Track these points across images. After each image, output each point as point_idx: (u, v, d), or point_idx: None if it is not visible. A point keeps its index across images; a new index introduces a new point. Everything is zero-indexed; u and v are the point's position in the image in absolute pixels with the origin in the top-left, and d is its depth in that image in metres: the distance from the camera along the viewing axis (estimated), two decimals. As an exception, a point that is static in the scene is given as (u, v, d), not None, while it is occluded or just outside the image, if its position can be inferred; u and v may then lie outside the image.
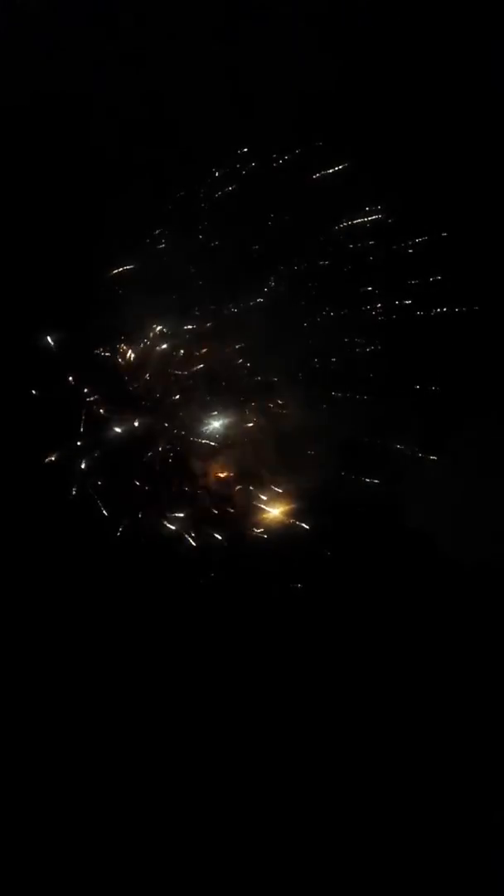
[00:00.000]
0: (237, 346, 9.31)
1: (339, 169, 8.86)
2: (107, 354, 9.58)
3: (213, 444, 9.27)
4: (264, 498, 8.99)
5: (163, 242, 9.54)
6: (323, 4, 9.13)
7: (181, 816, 7.90)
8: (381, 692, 8.20)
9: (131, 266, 9.56)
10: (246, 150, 9.25)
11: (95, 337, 9.60)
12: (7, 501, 8.90)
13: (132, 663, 8.52)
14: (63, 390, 9.36)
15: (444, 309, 8.46)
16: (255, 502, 9.01)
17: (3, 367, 9.21)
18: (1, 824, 7.76)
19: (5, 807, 7.86)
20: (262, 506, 8.97)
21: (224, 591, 8.78)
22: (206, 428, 9.30)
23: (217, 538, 8.99)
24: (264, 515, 8.96)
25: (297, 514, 8.88)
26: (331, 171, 8.89)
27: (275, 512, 8.93)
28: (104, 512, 9.05)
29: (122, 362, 9.64)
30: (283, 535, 8.85)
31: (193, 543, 8.99)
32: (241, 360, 9.35)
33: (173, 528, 9.06)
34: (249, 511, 8.98)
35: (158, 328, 9.54)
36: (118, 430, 9.36)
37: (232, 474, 9.16)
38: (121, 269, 9.55)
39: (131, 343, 9.61)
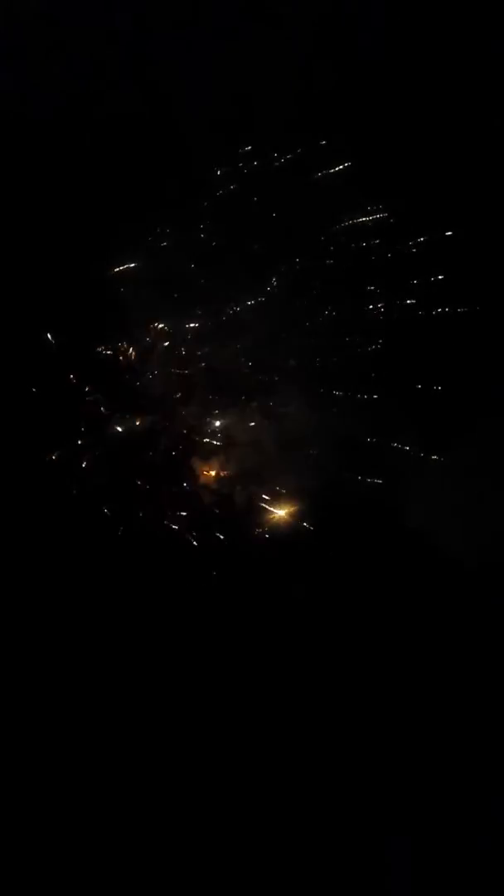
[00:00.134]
0: (238, 346, 9.31)
1: (340, 169, 8.87)
2: (108, 353, 9.59)
3: (214, 442, 9.28)
4: (265, 497, 8.99)
5: (164, 241, 9.55)
6: (325, 4, 9.14)
7: (181, 815, 7.89)
8: (382, 692, 8.19)
9: (133, 264, 9.56)
10: (249, 148, 9.27)
11: (96, 335, 9.60)
12: (7, 501, 8.90)
13: (132, 662, 8.52)
14: (64, 389, 9.36)
15: (447, 309, 8.46)
16: (255, 502, 9.00)
17: (4, 365, 9.21)
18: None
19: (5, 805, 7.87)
20: (263, 505, 8.97)
21: (224, 591, 8.77)
22: (207, 427, 9.30)
23: (217, 537, 8.99)
24: (265, 515, 8.96)
25: (297, 513, 8.87)
26: (333, 170, 8.90)
27: (275, 511, 8.93)
28: (105, 511, 9.05)
29: (123, 361, 9.64)
30: (283, 534, 8.85)
31: (194, 543, 8.99)
32: (242, 359, 9.35)
33: (174, 527, 9.06)
34: (250, 510, 8.98)
35: (160, 326, 9.55)
36: (119, 428, 9.36)
37: (232, 473, 9.15)
38: (122, 267, 9.55)
39: (132, 341, 9.61)
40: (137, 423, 9.36)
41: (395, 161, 8.77)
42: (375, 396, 8.80)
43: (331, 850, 7.67)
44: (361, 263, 8.89)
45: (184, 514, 9.11)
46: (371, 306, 8.87)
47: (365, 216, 8.81)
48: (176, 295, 9.43)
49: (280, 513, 8.92)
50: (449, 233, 8.42)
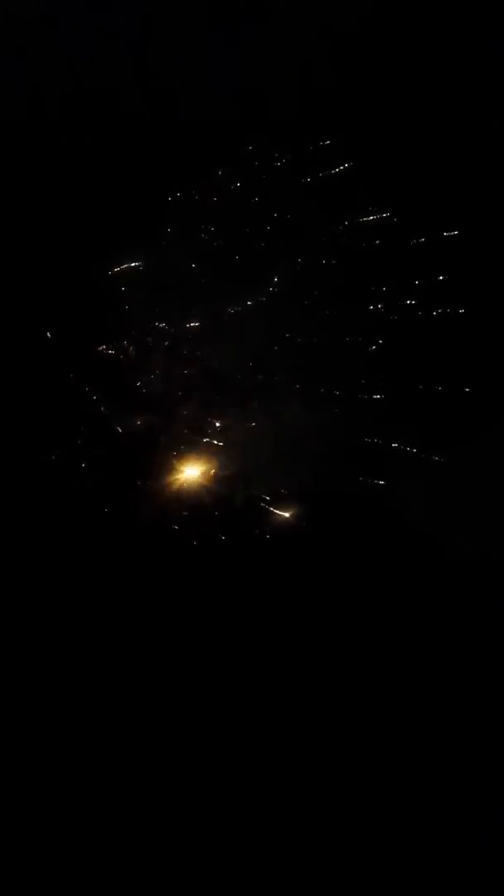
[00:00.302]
0: (239, 345, 9.31)
1: (341, 169, 8.87)
2: (110, 352, 9.59)
3: (214, 442, 9.28)
4: (265, 497, 8.99)
5: (165, 241, 9.55)
6: (326, 3, 9.14)
7: (180, 814, 7.89)
8: (382, 692, 8.19)
9: (134, 264, 9.57)
10: (250, 148, 9.28)
11: (97, 335, 9.61)
12: (7, 500, 8.91)
13: (132, 661, 8.52)
14: (63, 388, 9.37)
15: (448, 309, 8.46)
16: (255, 502, 9.00)
17: (4, 364, 9.22)
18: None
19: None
20: (263, 505, 8.97)
21: (225, 591, 8.77)
22: (208, 427, 9.30)
23: (217, 538, 8.99)
24: (265, 515, 8.96)
25: (297, 513, 8.88)
26: (333, 171, 8.90)
27: (275, 512, 8.93)
28: (105, 510, 9.05)
29: (124, 360, 9.64)
30: (283, 534, 8.85)
31: (194, 543, 8.99)
32: (243, 359, 9.35)
33: (175, 527, 9.07)
34: (250, 510, 8.98)
35: (161, 325, 9.55)
36: (119, 428, 9.37)
37: (232, 474, 9.15)
38: (123, 266, 9.56)
39: (133, 341, 9.61)
40: (138, 423, 9.36)
41: (395, 161, 8.77)
42: (376, 396, 8.80)
43: (330, 849, 7.67)
44: (362, 263, 8.89)
45: (184, 514, 9.11)
46: (372, 306, 8.87)
47: (365, 216, 8.82)
48: (176, 294, 9.43)
49: (280, 513, 8.92)
50: (449, 233, 8.42)
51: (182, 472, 9.29)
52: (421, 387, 8.57)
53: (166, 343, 9.59)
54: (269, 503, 8.96)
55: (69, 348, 9.45)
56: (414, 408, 8.59)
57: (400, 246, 8.69)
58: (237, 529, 8.99)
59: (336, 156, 8.94)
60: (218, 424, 9.28)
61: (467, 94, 8.70)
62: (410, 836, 7.57)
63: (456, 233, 8.40)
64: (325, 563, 8.67)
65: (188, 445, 9.33)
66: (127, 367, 9.60)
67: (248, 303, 9.31)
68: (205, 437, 9.31)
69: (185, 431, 9.39)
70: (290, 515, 8.90)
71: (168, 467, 9.32)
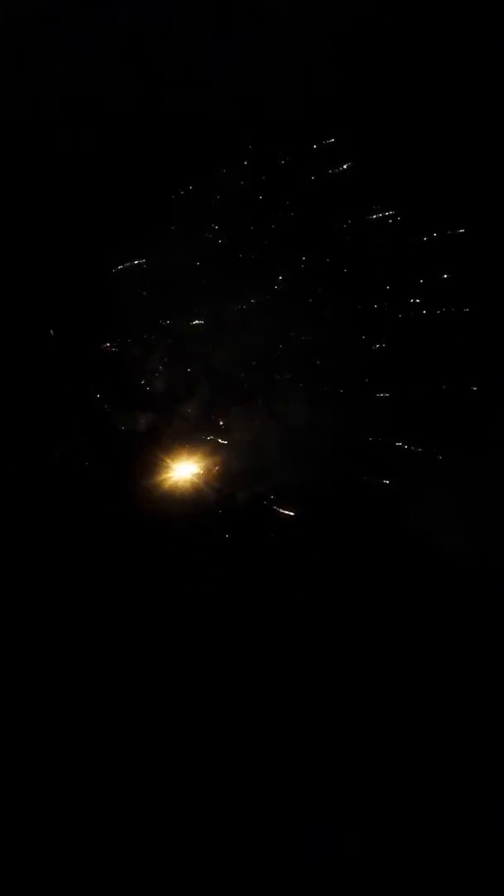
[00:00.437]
0: (242, 343, 9.32)
1: (343, 168, 8.90)
2: (113, 350, 9.58)
3: (217, 440, 9.27)
4: (269, 496, 8.99)
5: (167, 240, 9.56)
6: (326, 3, 9.18)
7: (180, 813, 7.87)
8: (382, 691, 8.19)
9: (135, 262, 9.57)
10: (250, 148, 9.30)
11: (99, 333, 9.60)
12: (9, 498, 8.88)
13: (134, 659, 8.50)
14: (66, 386, 9.36)
15: (452, 308, 8.49)
16: (259, 500, 9.00)
17: (6, 362, 9.21)
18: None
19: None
20: (267, 503, 8.97)
21: (226, 590, 8.76)
22: (210, 425, 9.30)
23: (221, 535, 8.99)
24: (268, 513, 8.96)
25: (301, 511, 8.88)
26: (335, 170, 8.93)
27: (278, 511, 8.93)
28: (107, 508, 9.04)
29: (126, 358, 9.64)
30: (287, 532, 8.85)
31: (197, 541, 8.98)
32: (245, 357, 9.36)
33: (177, 525, 9.05)
34: (253, 509, 8.98)
35: (163, 323, 9.55)
36: (121, 426, 9.36)
37: (235, 473, 9.15)
38: (125, 265, 9.56)
39: (135, 339, 9.61)
40: (140, 421, 9.36)
41: (396, 161, 8.80)
42: (380, 395, 8.81)
43: (330, 849, 7.65)
44: (365, 263, 8.91)
45: (187, 512, 9.10)
46: (375, 306, 8.89)
47: (368, 215, 8.84)
48: (179, 293, 9.43)
49: (283, 511, 8.92)
50: (452, 232, 8.45)
51: (184, 470, 9.28)
52: (425, 386, 8.60)
53: (169, 341, 9.60)
54: (273, 501, 8.96)
55: (71, 346, 9.45)
56: (418, 407, 8.60)
57: (402, 245, 8.72)
58: (240, 528, 8.99)
59: (337, 155, 8.96)
60: (221, 423, 9.28)
61: (468, 93, 8.74)
62: (410, 836, 7.57)
63: (459, 231, 8.43)
64: (328, 561, 8.68)
65: (191, 444, 9.33)
66: (129, 365, 9.61)
67: (252, 301, 9.33)
68: (208, 436, 9.31)
69: (188, 430, 9.39)
70: (294, 514, 8.90)
71: (170, 465, 9.31)
